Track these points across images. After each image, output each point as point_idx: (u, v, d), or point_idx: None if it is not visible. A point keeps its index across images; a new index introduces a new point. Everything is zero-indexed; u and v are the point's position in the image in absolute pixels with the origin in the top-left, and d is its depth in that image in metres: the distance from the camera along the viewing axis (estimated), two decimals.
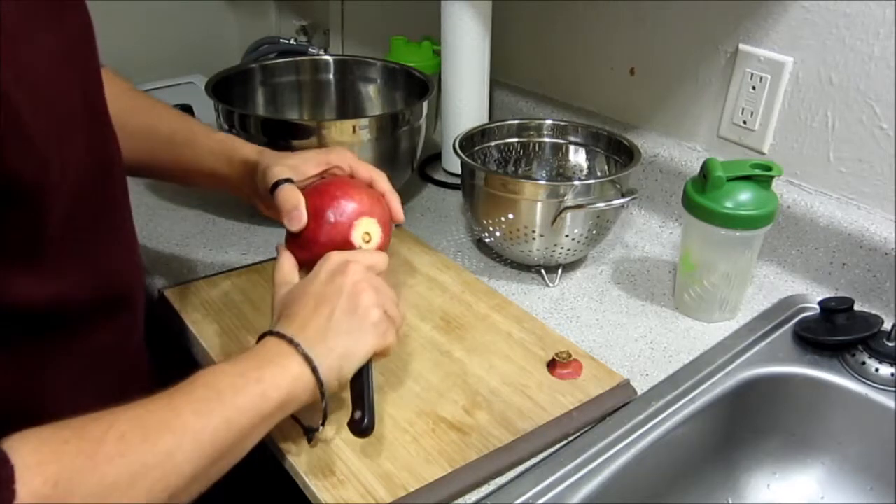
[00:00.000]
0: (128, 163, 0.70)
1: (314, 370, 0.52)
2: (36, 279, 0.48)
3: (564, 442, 0.62)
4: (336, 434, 0.61)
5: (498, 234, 0.82)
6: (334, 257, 0.58)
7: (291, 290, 0.58)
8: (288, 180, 0.62)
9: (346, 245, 0.61)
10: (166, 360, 0.69)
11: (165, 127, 0.72)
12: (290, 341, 0.53)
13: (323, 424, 0.56)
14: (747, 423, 0.73)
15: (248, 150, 0.69)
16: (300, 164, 0.65)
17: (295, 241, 0.62)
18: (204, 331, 0.72)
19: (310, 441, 0.59)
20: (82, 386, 0.56)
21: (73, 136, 0.49)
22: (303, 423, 0.58)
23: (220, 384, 0.49)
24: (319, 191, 0.62)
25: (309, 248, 0.60)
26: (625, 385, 0.68)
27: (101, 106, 0.55)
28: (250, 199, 0.71)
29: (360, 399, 0.56)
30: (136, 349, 0.64)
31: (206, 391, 0.48)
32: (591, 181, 0.79)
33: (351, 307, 0.55)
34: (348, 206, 0.61)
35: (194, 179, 0.74)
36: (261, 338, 0.55)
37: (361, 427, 0.55)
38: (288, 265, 0.61)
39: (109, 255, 0.56)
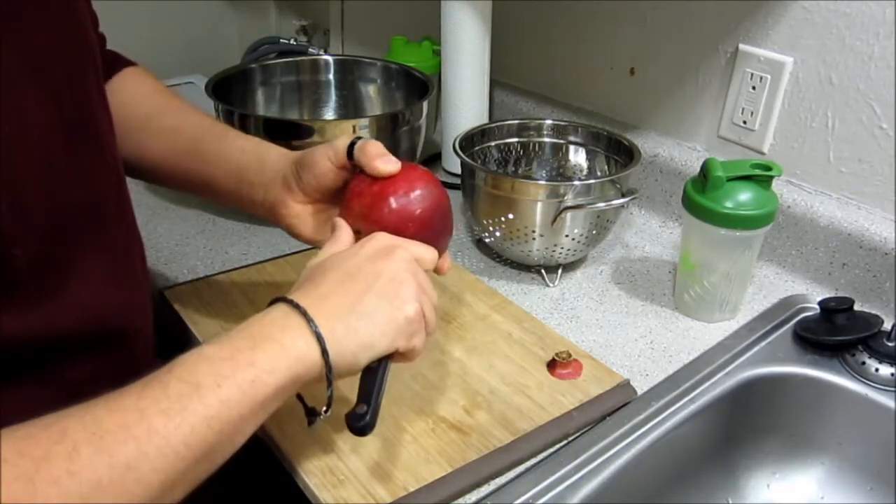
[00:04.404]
0: (151, 166, 0.69)
1: (324, 352, 0.46)
2: (7, 315, 0.45)
3: (564, 442, 0.62)
4: (336, 433, 0.60)
5: (498, 234, 0.82)
6: (382, 238, 0.53)
7: (325, 259, 0.52)
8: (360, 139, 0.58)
9: (441, 206, 0.57)
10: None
11: (193, 125, 0.69)
12: (304, 314, 0.46)
13: (327, 411, 0.50)
14: (747, 423, 0.73)
15: (283, 149, 0.65)
16: None
17: (377, 194, 0.56)
18: (204, 331, 0.72)
19: (310, 424, 0.52)
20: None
21: (38, 178, 0.46)
22: (306, 403, 0.52)
23: (200, 374, 0.42)
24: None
25: (394, 192, 0.56)
26: (625, 385, 0.68)
27: (89, 121, 0.53)
28: (275, 202, 0.63)
29: (367, 395, 0.49)
30: (139, 374, 0.62)
31: (180, 385, 0.42)
32: (591, 181, 0.79)
33: (387, 294, 0.49)
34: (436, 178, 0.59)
35: (216, 182, 0.67)
36: (272, 303, 0.49)
37: (361, 423, 0.48)
38: (346, 236, 0.55)
39: (96, 292, 0.52)
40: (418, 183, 0.57)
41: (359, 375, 0.51)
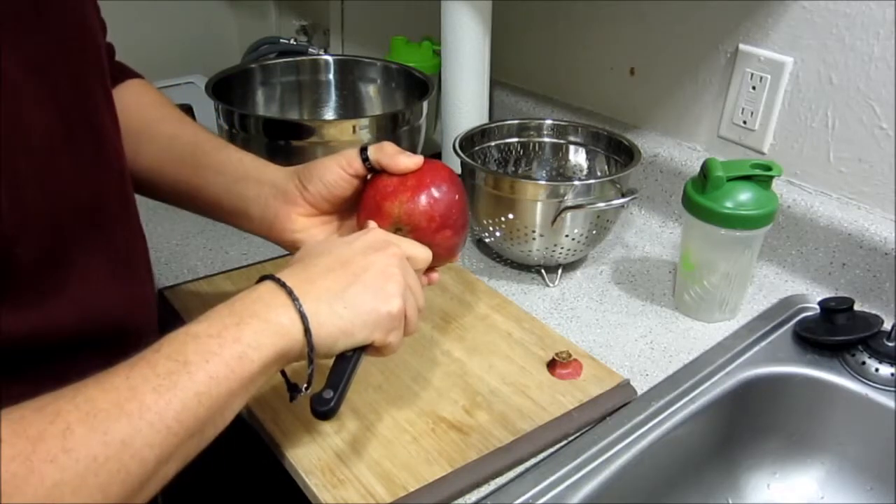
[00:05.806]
0: (146, 175, 0.68)
1: (307, 331, 0.47)
2: (8, 313, 0.45)
3: (564, 442, 0.62)
4: (336, 433, 0.61)
5: (498, 234, 0.82)
6: (377, 233, 0.55)
7: (318, 243, 0.54)
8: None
9: (464, 190, 0.59)
10: None
11: (192, 135, 0.69)
12: (290, 293, 0.48)
13: (307, 388, 0.51)
14: (747, 423, 0.73)
15: (279, 166, 0.65)
16: None
17: (413, 188, 0.57)
18: None
19: (292, 399, 0.53)
20: None
21: (39, 177, 0.46)
22: (289, 379, 0.53)
23: (188, 351, 0.43)
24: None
25: (430, 183, 0.57)
26: (625, 385, 0.68)
27: (91, 121, 0.52)
28: (276, 218, 0.62)
29: (336, 381, 0.50)
30: None
31: (169, 363, 0.43)
32: (591, 181, 0.79)
33: (374, 287, 0.51)
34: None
35: (210, 192, 0.66)
36: (259, 280, 0.50)
37: (325, 408, 0.49)
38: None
39: (97, 290, 0.52)
40: (443, 172, 0.59)
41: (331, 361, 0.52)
